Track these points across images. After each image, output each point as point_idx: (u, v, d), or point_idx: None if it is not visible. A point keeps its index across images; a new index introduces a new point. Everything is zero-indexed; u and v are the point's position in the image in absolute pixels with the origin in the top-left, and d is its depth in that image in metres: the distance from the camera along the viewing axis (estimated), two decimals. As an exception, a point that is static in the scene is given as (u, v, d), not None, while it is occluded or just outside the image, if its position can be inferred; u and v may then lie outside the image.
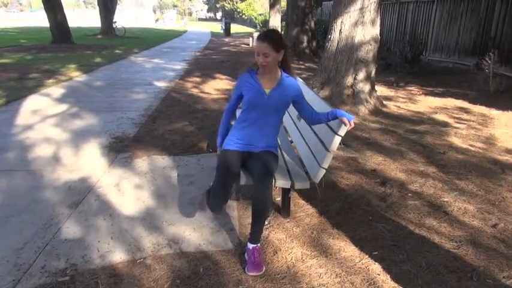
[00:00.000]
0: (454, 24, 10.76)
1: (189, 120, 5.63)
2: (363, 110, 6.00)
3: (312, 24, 12.79)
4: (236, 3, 67.61)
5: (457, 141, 4.76)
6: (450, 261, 2.38)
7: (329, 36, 6.23)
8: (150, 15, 60.75)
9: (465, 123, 5.56)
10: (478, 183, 3.55)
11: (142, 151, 4.35)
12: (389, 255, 2.42)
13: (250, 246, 2.32)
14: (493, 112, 6.21)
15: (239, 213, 2.96)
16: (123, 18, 37.57)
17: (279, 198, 3.16)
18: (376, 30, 5.94)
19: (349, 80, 6.09)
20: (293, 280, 2.18)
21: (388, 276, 2.22)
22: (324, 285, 2.14)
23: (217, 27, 42.92)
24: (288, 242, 2.55)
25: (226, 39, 25.59)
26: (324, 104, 2.72)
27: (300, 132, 3.19)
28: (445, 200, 3.22)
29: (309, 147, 2.71)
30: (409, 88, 8.36)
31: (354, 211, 2.98)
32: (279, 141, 3.14)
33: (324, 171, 2.42)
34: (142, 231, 2.72)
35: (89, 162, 4.02)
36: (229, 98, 7.25)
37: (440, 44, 11.30)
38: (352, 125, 2.27)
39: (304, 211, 2.94)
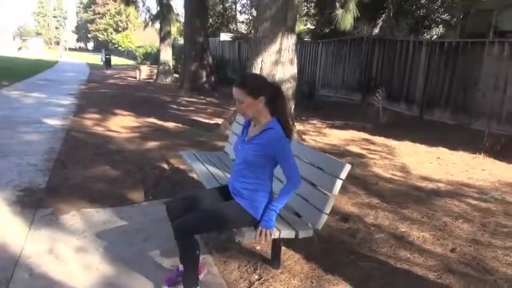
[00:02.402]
0: (339, 64, 12.05)
1: (108, 163, 4.99)
2: (287, 144, 6.16)
3: (210, 59, 12.94)
4: (111, 33, 64.88)
5: (379, 171, 5.19)
6: (442, 293, 2.50)
7: (249, 74, 6.32)
8: (10, 43, 54.14)
9: (377, 154, 6.13)
10: (418, 211, 3.88)
11: (66, 204, 3.67)
12: (390, 295, 2.42)
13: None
14: (392, 142, 7.01)
15: (220, 269, 2.66)
16: (-24, 46, 32.58)
17: (259, 247, 2.95)
18: (294, 69, 6.25)
19: (271, 116, 6.22)
20: None
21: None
22: None
23: (92, 58, 40.51)
24: (289, 296, 2.37)
25: (108, 72, 24.11)
26: (315, 153, 2.67)
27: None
28: (402, 230, 3.42)
29: (299, 194, 2.58)
30: (312, 122, 8.95)
31: (333, 252, 2.93)
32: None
33: (326, 216, 2.34)
34: (115, 310, 2.22)
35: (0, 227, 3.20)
36: (142, 136, 6.76)
37: (328, 81, 12.51)
38: (262, 241, 2.25)
39: (289, 258, 2.78)
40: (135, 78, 19.35)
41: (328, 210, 2.33)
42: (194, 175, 4.61)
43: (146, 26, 19.44)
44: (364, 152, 6.27)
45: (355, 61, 11.34)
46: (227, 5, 24.80)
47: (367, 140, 7.16)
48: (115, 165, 4.91)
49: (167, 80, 17.09)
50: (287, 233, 2.33)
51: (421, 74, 9.24)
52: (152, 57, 27.91)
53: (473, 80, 8.02)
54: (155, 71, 19.17)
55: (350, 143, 6.88)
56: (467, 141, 7.00)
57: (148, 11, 18.73)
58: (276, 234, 2.30)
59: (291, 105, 6.37)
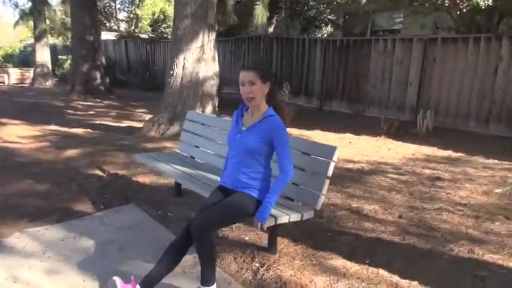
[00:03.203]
0: (238, 61, 12.41)
1: (28, 177, 4.38)
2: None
3: (103, 59, 12.06)
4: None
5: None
6: (416, 248, 2.91)
7: (171, 72, 6.17)
8: None
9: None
10: (358, 188, 4.36)
11: (2, 227, 3.17)
12: (377, 259, 2.73)
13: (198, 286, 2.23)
14: (306, 132, 7.58)
15: (217, 264, 2.64)
16: None
17: (247, 238, 3.00)
18: (216, 66, 6.32)
19: (198, 113, 6.18)
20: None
21: (395, 271, 2.52)
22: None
23: None
24: (302, 275, 2.49)
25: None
26: (306, 142, 2.82)
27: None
28: (355, 205, 3.82)
29: (295, 183, 2.70)
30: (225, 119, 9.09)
31: (312, 232, 3.14)
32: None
33: (323, 197, 2.54)
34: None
35: None
36: (53, 145, 6.03)
37: (229, 79, 12.78)
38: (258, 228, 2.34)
39: (279, 244, 2.90)
40: (3, 83, 16.89)
41: (325, 191, 2.53)
42: (140, 179, 4.37)
43: (17, 23, 17.07)
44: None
45: (255, 59, 11.84)
46: (105, 1, 23.21)
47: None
48: (38, 178, 4.35)
49: (47, 83, 15.34)
50: (295, 217, 2.46)
51: (317, 69, 10.13)
52: (17, 59, 24.53)
53: (364, 73, 9.14)
54: (27, 74, 17.02)
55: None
56: (367, 126, 7.96)
57: (17, 6, 16.44)
58: (285, 220, 2.41)
59: (216, 102, 6.43)
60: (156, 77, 15.75)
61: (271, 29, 12.85)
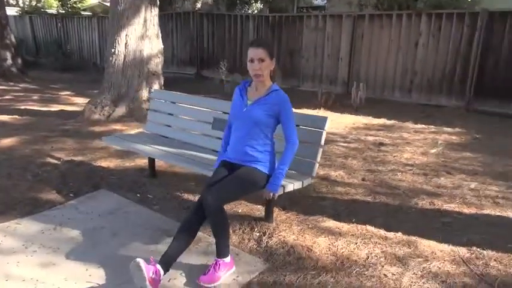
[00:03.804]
0: (166, 39, 11.93)
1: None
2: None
3: (13, 38, 10.76)
4: None
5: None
6: (388, 205, 3.26)
7: (112, 50, 5.80)
8: None
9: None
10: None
11: (-38, 226, 2.85)
12: (360, 218, 3.02)
13: (214, 258, 2.29)
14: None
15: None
16: None
17: (240, 211, 3.08)
18: (160, 44, 6.09)
19: (145, 93, 5.96)
20: (355, 262, 2.42)
21: (379, 226, 2.83)
22: (372, 254, 2.50)
23: None
24: (304, 238, 2.66)
25: None
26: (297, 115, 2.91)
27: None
28: (322, 173, 4.08)
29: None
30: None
31: (296, 201, 3.32)
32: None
33: (318, 164, 2.72)
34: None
35: None
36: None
37: (158, 57, 12.31)
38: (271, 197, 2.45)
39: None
40: None
41: (319, 159, 2.71)
42: (103, 163, 4.15)
43: None
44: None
45: (185, 36, 11.51)
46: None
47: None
48: (-20, 172, 3.91)
49: None
50: (297, 185, 2.61)
51: (251, 45, 10.21)
52: None
53: (297, 49, 9.46)
54: None
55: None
56: (305, 100, 8.32)
57: None
58: (290, 188, 2.55)
59: (162, 81, 6.23)
60: (71, 57, 14.53)
61: (198, 5, 12.54)
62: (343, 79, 8.89)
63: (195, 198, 3.34)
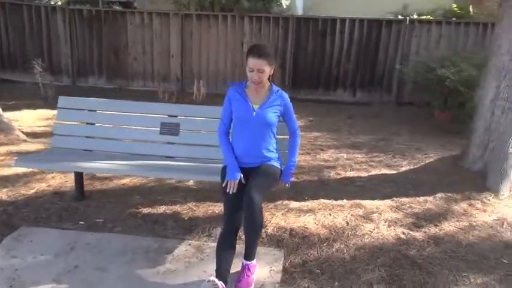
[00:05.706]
0: None
1: None
2: None
3: None
4: None
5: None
6: (328, 181, 3.86)
7: None
8: None
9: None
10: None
11: None
12: (320, 195, 3.48)
13: (243, 262, 2.33)
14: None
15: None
16: None
17: (217, 211, 3.05)
18: None
19: None
20: (343, 228, 2.89)
21: (337, 198, 3.40)
22: (347, 219, 3.03)
23: None
24: (292, 221, 2.91)
25: None
26: None
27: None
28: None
29: None
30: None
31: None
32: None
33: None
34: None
35: None
36: None
37: None
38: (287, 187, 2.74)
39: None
40: None
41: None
42: (3, 196, 3.16)
43: None
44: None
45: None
46: None
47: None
48: None
49: None
50: (288, 173, 2.86)
51: (63, 42, 9.01)
52: None
53: (123, 46, 8.96)
54: None
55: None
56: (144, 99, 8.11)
57: None
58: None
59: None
60: None
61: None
62: (176, 75, 9.04)
63: (154, 208, 3.11)
